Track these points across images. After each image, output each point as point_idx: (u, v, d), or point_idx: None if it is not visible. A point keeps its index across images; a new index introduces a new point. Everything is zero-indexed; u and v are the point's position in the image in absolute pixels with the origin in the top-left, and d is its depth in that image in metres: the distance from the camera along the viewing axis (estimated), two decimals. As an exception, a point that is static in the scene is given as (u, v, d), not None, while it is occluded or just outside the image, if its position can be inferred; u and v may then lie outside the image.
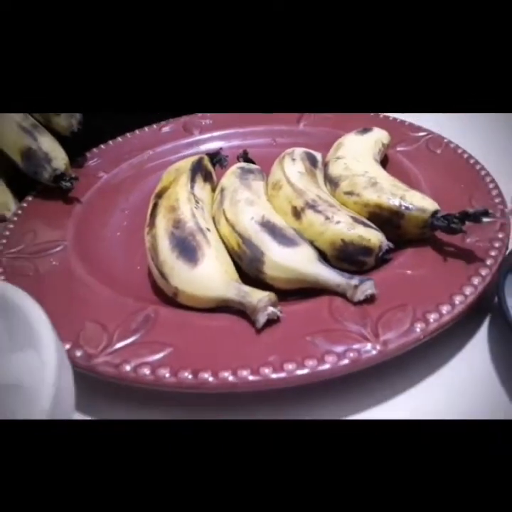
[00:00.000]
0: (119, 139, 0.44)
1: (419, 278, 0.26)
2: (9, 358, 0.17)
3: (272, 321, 0.25)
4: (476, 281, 0.25)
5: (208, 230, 0.28)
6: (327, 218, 0.28)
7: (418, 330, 0.23)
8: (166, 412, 0.24)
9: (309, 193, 0.30)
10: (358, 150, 0.34)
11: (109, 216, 0.36)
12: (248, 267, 0.27)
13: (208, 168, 0.34)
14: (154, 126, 0.45)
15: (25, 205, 0.36)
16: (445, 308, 0.24)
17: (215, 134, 0.44)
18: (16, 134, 0.36)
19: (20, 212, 0.36)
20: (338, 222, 0.28)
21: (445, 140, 0.38)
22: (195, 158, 0.34)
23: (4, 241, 0.32)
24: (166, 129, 0.45)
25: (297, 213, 0.29)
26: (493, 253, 0.27)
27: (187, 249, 0.27)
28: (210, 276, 0.26)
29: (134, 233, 0.34)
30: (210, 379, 0.22)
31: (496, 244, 0.28)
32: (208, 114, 0.46)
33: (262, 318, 0.24)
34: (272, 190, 0.32)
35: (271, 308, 0.24)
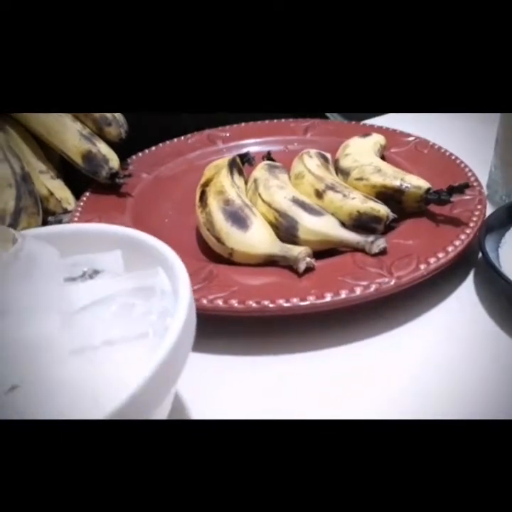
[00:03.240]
0: (154, 147, 0.52)
1: (419, 238, 0.35)
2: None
3: (309, 269, 0.32)
4: (462, 237, 0.34)
5: (251, 206, 0.37)
6: (344, 196, 0.37)
7: (422, 268, 0.32)
8: (233, 337, 0.31)
9: (327, 179, 0.39)
10: (362, 148, 0.43)
11: (156, 207, 0.44)
12: (284, 234, 0.35)
13: (240, 166, 0.43)
14: (182, 138, 0.54)
15: (84, 199, 0.44)
16: (441, 255, 0.33)
17: (235, 143, 0.52)
18: (77, 140, 0.44)
19: (81, 205, 0.43)
20: (353, 198, 0.36)
21: (430, 143, 0.47)
22: (229, 157, 0.43)
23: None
24: (192, 140, 0.53)
25: (319, 194, 0.38)
26: (474, 219, 0.36)
27: (239, 218, 0.35)
28: (259, 237, 0.34)
29: (179, 218, 0.42)
30: (270, 305, 0.30)
31: (476, 213, 0.36)
32: (227, 127, 0.55)
33: (302, 266, 0.32)
34: (295, 180, 0.41)
35: (308, 259, 0.32)
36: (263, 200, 0.38)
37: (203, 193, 0.39)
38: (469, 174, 0.42)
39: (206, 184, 0.40)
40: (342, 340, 0.31)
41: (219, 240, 0.35)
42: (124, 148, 0.51)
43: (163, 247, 0.25)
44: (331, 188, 0.38)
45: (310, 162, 0.41)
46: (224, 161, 0.42)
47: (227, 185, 0.38)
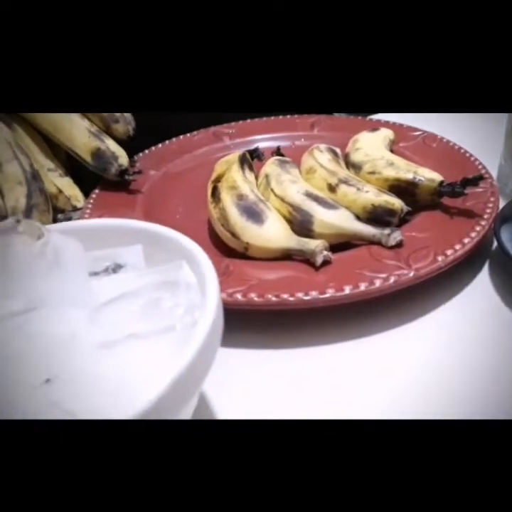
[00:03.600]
0: (160, 145, 0.52)
1: (433, 231, 0.35)
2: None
3: (326, 263, 0.33)
4: (478, 228, 0.34)
5: (265, 201, 0.36)
6: (358, 189, 0.37)
7: (439, 260, 0.32)
8: (250, 331, 0.31)
9: (340, 173, 0.39)
10: (373, 142, 0.43)
11: (166, 203, 0.44)
12: (299, 228, 0.35)
13: (250, 161, 0.43)
14: (187, 135, 0.53)
15: (94, 196, 0.44)
16: (457, 246, 0.33)
17: (242, 140, 0.52)
18: (86, 137, 0.44)
19: (91, 202, 0.43)
20: (367, 192, 0.36)
21: (438, 136, 0.47)
22: (239, 153, 0.43)
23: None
24: (197, 137, 0.53)
25: (332, 188, 0.38)
26: (488, 210, 0.36)
27: (253, 213, 0.35)
28: (275, 231, 0.34)
29: (190, 214, 0.42)
30: (290, 298, 0.30)
31: (490, 205, 0.37)
32: (233, 123, 0.55)
33: (319, 259, 0.32)
34: (306, 174, 0.41)
35: (325, 252, 0.32)
36: (276, 195, 0.38)
37: (214, 189, 0.39)
38: (480, 167, 0.42)
39: (218, 180, 0.40)
40: (359, 333, 0.31)
41: (234, 234, 0.35)
42: (128, 147, 0.51)
43: (187, 240, 0.25)
44: (344, 181, 0.38)
45: (321, 156, 0.41)
46: (234, 156, 0.42)
47: (240, 180, 0.38)
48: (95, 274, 0.24)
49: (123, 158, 0.44)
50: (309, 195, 0.36)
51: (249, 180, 0.39)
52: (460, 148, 0.45)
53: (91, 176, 0.46)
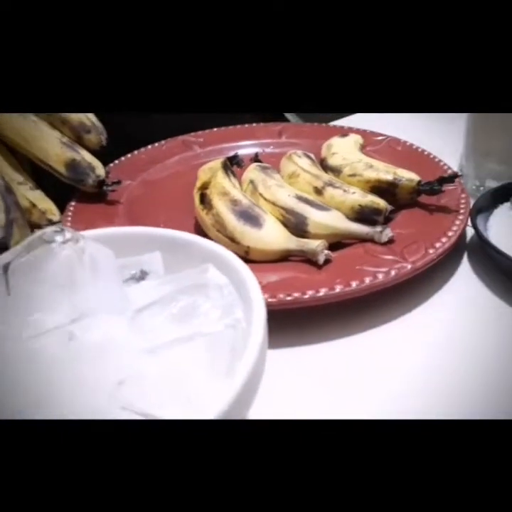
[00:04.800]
0: (129, 155, 0.51)
1: (416, 227, 0.38)
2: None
3: (327, 261, 0.34)
4: (458, 222, 0.37)
5: (258, 205, 0.37)
6: (345, 191, 0.39)
7: (431, 252, 0.34)
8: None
9: (323, 176, 0.41)
10: (347, 147, 0.45)
11: (148, 213, 0.43)
12: (294, 231, 0.37)
13: (231, 168, 0.44)
14: (155, 144, 0.53)
15: (71, 209, 0.42)
16: (444, 239, 0.35)
17: (213, 148, 0.53)
18: (59, 148, 0.43)
19: (70, 215, 0.42)
20: (353, 193, 0.38)
21: (401, 140, 0.51)
22: (220, 160, 0.43)
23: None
24: (166, 146, 0.53)
25: (319, 191, 0.40)
26: (462, 205, 0.39)
27: (251, 217, 0.36)
28: (274, 233, 0.35)
29: (175, 223, 0.41)
30: (304, 296, 0.31)
31: (462, 201, 0.40)
32: (200, 132, 0.55)
33: (321, 258, 0.34)
34: (289, 179, 0.42)
35: (326, 251, 0.34)
36: (266, 200, 0.39)
37: (203, 196, 0.40)
38: (445, 167, 0.45)
39: (204, 187, 0.40)
40: (360, 327, 0.33)
41: (233, 239, 0.35)
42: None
43: (210, 243, 0.26)
44: (330, 184, 0.40)
45: (301, 161, 0.43)
46: (216, 163, 0.43)
47: (228, 186, 0.39)
48: (124, 281, 0.24)
49: (100, 169, 0.43)
50: (300, 198, 0.38)
51: (236, 186, 0.40)
52: (423, 150, 0.49)
53: (57, 189, 0.44)
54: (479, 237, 0.36)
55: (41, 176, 0.45)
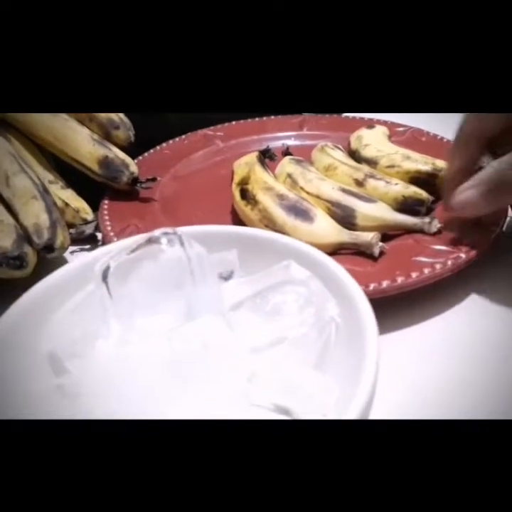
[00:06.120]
0: (152, 151, 0.51)
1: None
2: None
3: (381, 253, 0.34)
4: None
5: (304, 198, 0.38)
6: (387, 182, 0.39)
7: (481, 244, 0.35)
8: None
9: (363, 168, 0.41)
10: (378, 138, 0.46)
11: (182, 209, 0.43)
12: (341, 223, 0.37)
13: (265, 161, 0.44)
14: (176, 139, 0.53)
15: (106, 207, 0.42)
16: (494, 228, 0.36)
17: (235, 141, 0.53)
18: (91, 145, 0.42)
19: (106, 214, 0.41)
20: (396, 184, 0.39)
21: (424, 130, 0.51)
22: (255, 154, 0.43)
23: (117, 232, 0.38)
24: (187, 141, 0.53)
25: (360, 183, 0.40)
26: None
27: (301, 212, 0.36)
28: (327, 227, 0.35)
29: (210, 219, 0.41)
30: (368, 289, 0.31)
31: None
32: (219, 126, 0.55)
33: (376, 250, 0.34)
34: (326, 171, 0.42)
35: (380, 243, 0.34)
36: (308, 193, 0.39)
37: (243, 191, 0.39)
38: (474, 156, 0.46)
39: (244, 182, 0.40)
40: (407, 322, 0.33)
41: (284, 234, 0.35)
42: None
43: (288, 239, 0.26)
44: (371, 176, 0.40)
45: (336, 154, 0.43)
46: (251, 158, 0.43)
47: (271, 181, 0.39)
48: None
49: (133, 166, 0.43)
50: (345, 190, 0.38)
51: (277, 180, 0.40)
52: (448, 140, 0.49)
53: (81, 186, 0.44)
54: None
55: (63, 173, 0.44)
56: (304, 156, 0.47)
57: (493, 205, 0.34)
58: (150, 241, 0.20)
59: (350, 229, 0.37)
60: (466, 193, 0.33)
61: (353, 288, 0.23)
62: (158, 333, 0.20)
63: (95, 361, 0.22)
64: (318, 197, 0.38)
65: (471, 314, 0.34)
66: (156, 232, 0.20)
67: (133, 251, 0.20)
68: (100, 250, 0.25)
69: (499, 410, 0.28)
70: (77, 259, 0.25)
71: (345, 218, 0.37)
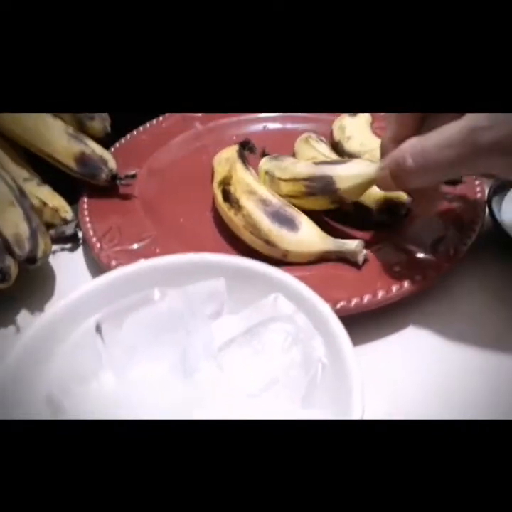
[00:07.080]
0: (128, 136, 0.49)
1: (441, 217, 0.39)
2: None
3: (364, 261, 0.35)
4: (479, 210, 0.39)
5: (287, 204, 0.38)
6: (369, 183, 0.39)
7: (463, 247, 0.36)
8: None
9: (345, 165, 0.41)
10: (360, 129, 0.46)
11: (165, 206, 0.43)
12: (323, 193, 0.36)
13: (245, 155, 0.43)
14: (154, 121, 0.51)
15: (85, 206, 0.41)
16: (476, 226, 0.37)
17: (214, 123, 0.52)
18: (65, 140, 0.40)
19: (86, 214, 0.40)
20: (378, 185, 0.39)
21: (407, 115, 0.51)
22: (234, 148, 0.42)
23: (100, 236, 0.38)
24: (166, 123, 0.51)
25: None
26: (478, 195, 0.41)
27: (285, 220, 0.36)
28: (312, 235, 0.36)
29: (194, 216, 0.42)
30: (352, 304, 0.32)
31: (478, 189, 0.42)
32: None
33: (361, 258, 0.35)
34: (308, 164, 0.42)
35: (364, 250, 0.35)
36: (286, 180, 0.38)
37: (226, 192, 0.39)
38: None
39: (226, 182, 0.40)
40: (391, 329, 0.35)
41: (269, 242, 0.36)
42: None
43: (277, 272, 0.27)
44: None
45: (320, 146, 0.43)
46: (232, 153, 0.42)
47: (253, 183, 0.39)
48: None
49: (112, 162, 0.42)
50: (317, 163, 0.38)
51: (258, 180, 0.40)
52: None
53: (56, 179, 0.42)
54: (492, 218, 0.38)
55: (37, 166, 0.43)
56: (284, 141, 0.46)
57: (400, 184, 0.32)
58: (145, 299, 0.21)
59: (334, 199, 0.36)
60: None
61: (336, 325, 0.24)
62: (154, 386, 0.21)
63: (90, 401, 0.23)
64: (294, 180, 0.38)
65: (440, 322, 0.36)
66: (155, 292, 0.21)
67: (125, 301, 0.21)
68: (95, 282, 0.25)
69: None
70: (73, 294, 0.25)
71: (325, 188, 0.36)
